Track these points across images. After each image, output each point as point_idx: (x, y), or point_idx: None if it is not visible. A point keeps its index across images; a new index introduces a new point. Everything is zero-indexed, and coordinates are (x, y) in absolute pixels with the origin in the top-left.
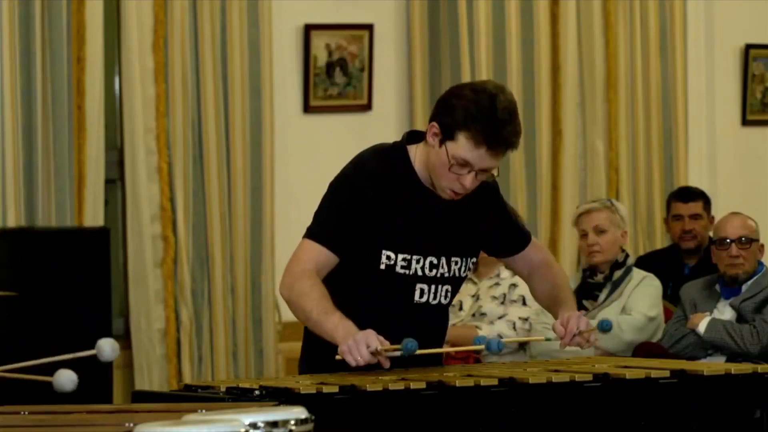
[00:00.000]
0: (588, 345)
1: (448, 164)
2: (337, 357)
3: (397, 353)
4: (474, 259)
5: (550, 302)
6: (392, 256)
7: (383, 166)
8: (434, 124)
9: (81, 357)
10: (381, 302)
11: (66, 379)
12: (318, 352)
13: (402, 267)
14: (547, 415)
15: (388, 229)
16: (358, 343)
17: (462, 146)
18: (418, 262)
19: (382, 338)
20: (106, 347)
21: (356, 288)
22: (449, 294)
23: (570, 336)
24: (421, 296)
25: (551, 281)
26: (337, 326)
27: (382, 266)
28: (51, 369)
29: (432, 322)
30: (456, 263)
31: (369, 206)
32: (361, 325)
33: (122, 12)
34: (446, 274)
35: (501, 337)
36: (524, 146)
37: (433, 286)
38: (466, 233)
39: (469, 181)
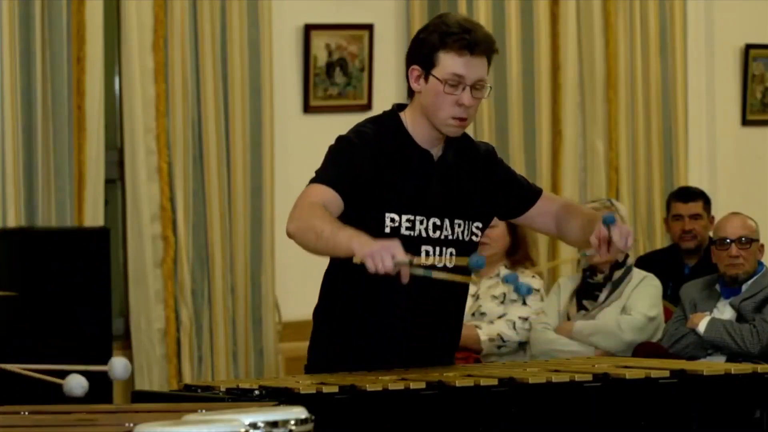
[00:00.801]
0: (621, 252)
1: (441, 88)
2: (356, 260)
3: (420, 271)
4: (479, 224)
5: (586, 229)
6: (396, 218)
7: (379, 131)
8: (414, 66)
9: (92, 371)
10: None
11: (76, 384)
12: (325, 349)
13: (407, 228)
14: (547, 415)
15: (390, 191)
16: (384, 251)
17: (446, 63)
18: (421, 222)
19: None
20: (119, 366)
21: None
22: (453, 257)
23: (606, 246)
24: (427, 258)
25: (578, 214)
26: (352, 236)
27: (387, 229)
28: (58, 373)
29: (445, 288)
30: (459, 225)
31: (370, 171)
32: (371, 293)
33: (122, 12)
34: (450, 237)
35: (503, 339)
36: (524, 146)
37: (438, 248)
38: (468, 196)
39: (466, 98)
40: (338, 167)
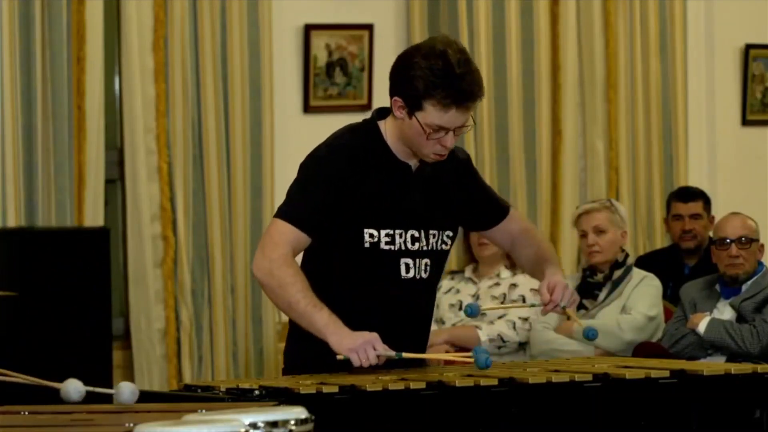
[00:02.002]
0: (562, 314)
1: (424, 133)
2: (339, 357)
3: (393, 356)
4: (450, 233)
5: (534, 265)
6: (375, 233)
7: (356, 143)
8: (397, 99)
9: (97, 392)
10: (369, 282)
11: (73, 389)
12: (304, 348)
13: (386, 243)
14: (547, 415)
15: (368, 206)
16: (367, 345)
17: (431, 114)
18: (401, 236)
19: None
20: (126, 391)
21: (342, 270)
22: (428, 268)
23: (552, 306)
24: (407, 271)
25: (534, 245)
26: (327, 323)
27: (367, 245)
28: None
29: (420, 299)
30: (434, 236)
31: (346, 185)
32: (352, 308)
33: (122, 12)
34: (425, 248)
35: (503, 339)
36: (524, 146)
37: (417, 260)
38: (442, 206)
39: (449, 140)
40: (309, 197)
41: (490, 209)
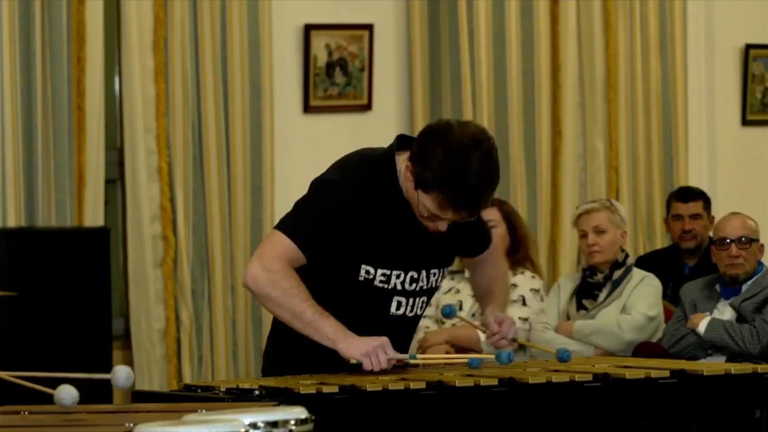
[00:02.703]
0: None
1: (418, 211)
2: (352, 361)
3: (405, 358)
4: (450, 267)
5: (484, 293)
6: (371, 270)
7: (369, 178)
8: (410, 166)
9: (95, 379)
10: (356, 313)
11: (66, 395)
12: (285, 352)
13: (381, 281)
14: (547, 415)
15: (369, 243)
16: (379, 350)
17: (430, 202)
18: (398, 277)
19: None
20: (122, 374)
21: (331, 297)
22: (425, 305)
23: (499, 338)
24: (398, 308)
25: (492, 276)
26: (336, 330)
27: (361, 278)
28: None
29: (404, 334)
30: (434, 275)
31: (350, 218)
32: (327, 302)
33: (122, 12)
34: (425, 287)
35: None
36: (524, 146)
37: (411, 299)
38: (445, 243)
39: (441, 226)
40: (312, 223)
41: (477, 237)
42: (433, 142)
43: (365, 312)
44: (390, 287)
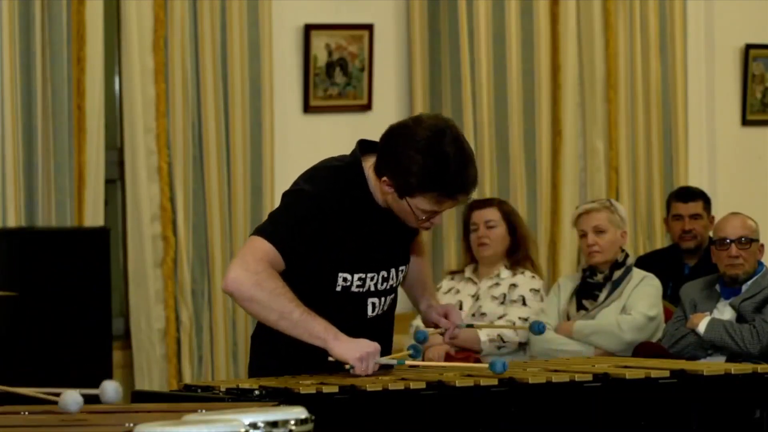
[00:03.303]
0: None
1: (414, 216)
2: (347, 366)
3: (393, 362)
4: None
5: (415, 282)
6: (348, 277)
7: (339, 187)
8: (386, 179)
9: (84, 393)
10: (335, 321)
11: (71, 400)
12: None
13: (357, 286)
14: (547, 415)
15: (344, 251)
16: (371, 357)
17: (426, 203)
18: (372, 279)
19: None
20: (110, 390)
21: (310, 307)
22: (393, 301)
23: (453, 328)
24: (373, 310)
25: (419, 267)
26: (327, 329)
27: (339, 288)
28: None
29: (383, 332)
30: (402, 271)
31: (325, 227)
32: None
33: (122, 12)
34: (394, 284)
35: (503, 339)
36: (524, 146)
37: (382, 298)
38: (405, 238)
39: (438, 219)
40: (290, 229)
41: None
42: (400, 148)
43: (344, 318)
44: (365, 290)
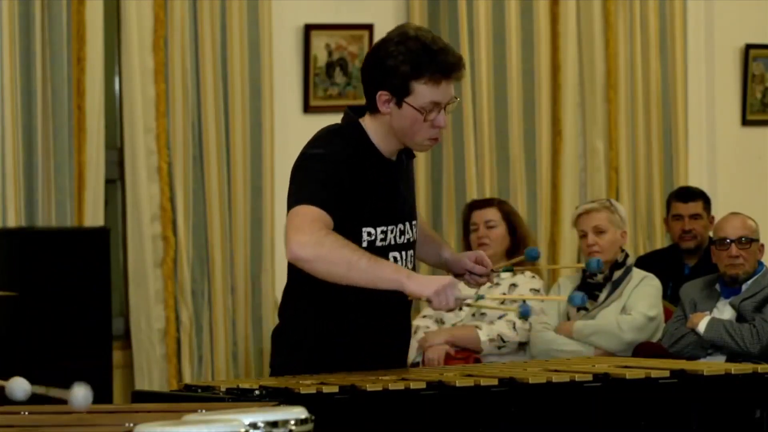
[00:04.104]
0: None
1: (421, 116)
2: (423, 298)
3: (469, 300)
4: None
5: (424, 239)
6: (372, 231)
7: (347, 144)
8: (382, 93)
9: (53, 397)
10: None
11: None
12: (291, 353)
13: (380, 240)
14: (547, 415)
15: (364, 205)
16: (449, 289)
17: (423, 93)
18: (392, 231)
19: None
20: (79, 395)
21: None
22: (413, 259)
23: (488, 272)
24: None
25: (421, 225)
26: (399, 269)
27: (365, 243)
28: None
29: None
30: (414, 226)
31: (343, 185)
32: (346, 302)
33: (122, 12)
34: (411, 239)
35: (503, 339)
36: (524, 146)
37: (403, 253)
38: (412, 196)
39: (442, 119)
40: (321, 185)
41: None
42: (381, 55)
43: None
44: (387, 244)
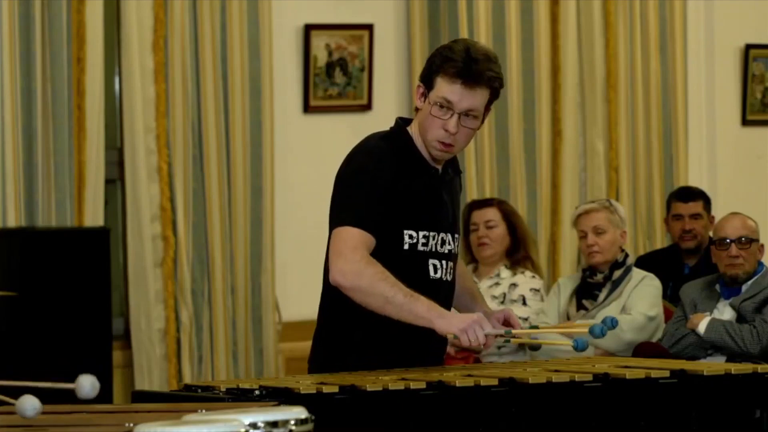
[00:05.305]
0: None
1: (431, 110)
2: (450, 336)
3: (501, 336)
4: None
5: (462, 291)
6: (414, 234)
7: (392, 152)
8: (420, 84)
9: (59, 389)
10: (402, 281)
11: (29, 405)
12: (331, 353)
13: (422, 244)
14: (547, 415)
15: (408, 209)
16: (476, 325)
17: (440, 87)
18: (434, 238)
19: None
20: (86, 384)
21: None
22: (452, 271)
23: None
24: (435, 272)
25: (462, 273)
26: (430, 308)
27: (406, 246)
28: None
29: (447, 299)
30: (456, 239)
31: (388, 190)
32: None
33: (122, 12)
34: (453, 251)
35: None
36: (524, 146)
37: (443, 262)
38: (456, 207)
39: (451, 124)
40: (363, 201)
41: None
42: (433, 53)
43: (410, 280)
44: (428, 250)
